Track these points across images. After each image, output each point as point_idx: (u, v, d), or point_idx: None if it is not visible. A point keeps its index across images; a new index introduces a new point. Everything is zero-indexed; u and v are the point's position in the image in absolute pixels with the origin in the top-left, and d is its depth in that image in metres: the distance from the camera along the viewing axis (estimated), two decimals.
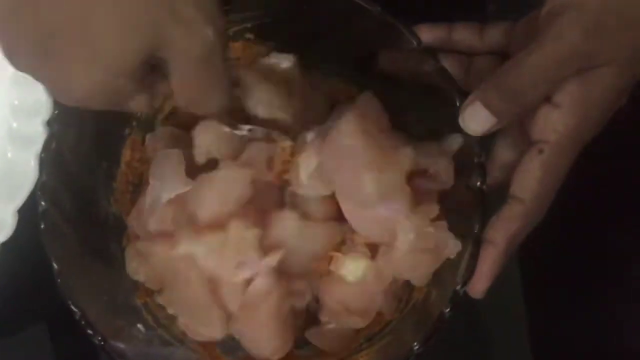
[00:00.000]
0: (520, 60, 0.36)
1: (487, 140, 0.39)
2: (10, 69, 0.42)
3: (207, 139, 0.40)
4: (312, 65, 0.44)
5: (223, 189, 0.39)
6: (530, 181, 0.37)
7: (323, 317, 0.41)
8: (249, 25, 0.44)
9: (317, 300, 0.42)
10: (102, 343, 0.37)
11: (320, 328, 0.42)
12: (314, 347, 0.42)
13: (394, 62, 0.42)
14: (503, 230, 0.38)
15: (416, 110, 0.42)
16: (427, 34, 0.42)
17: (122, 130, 0.43)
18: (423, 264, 0.39)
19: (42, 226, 0.37)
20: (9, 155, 0.42)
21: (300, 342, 0.42)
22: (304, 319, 0.42)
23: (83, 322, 0.37)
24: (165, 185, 0.39)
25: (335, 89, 0.45)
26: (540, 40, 0.36)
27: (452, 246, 0.38)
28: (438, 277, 0.40)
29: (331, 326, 0.41)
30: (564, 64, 0.35)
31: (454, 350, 0.51)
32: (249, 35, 0.44)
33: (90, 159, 0.41)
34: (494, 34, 0.43)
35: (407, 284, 0.41)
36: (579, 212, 0.48)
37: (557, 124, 0.36)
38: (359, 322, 0.41)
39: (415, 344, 0.37)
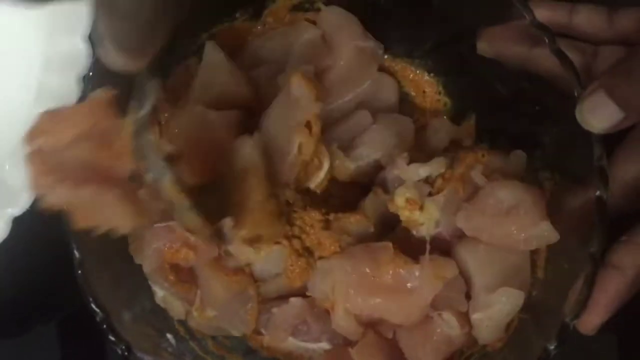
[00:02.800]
0: None
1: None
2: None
3: None
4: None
5: None
6: None
7: None
8: None
9: None
10: (127, 353, 0.30)
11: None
12: None
13: (497, 44, 0.35)
14: (633, 254, 0.31)
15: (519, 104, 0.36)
16: (544, 12, 0.36)
17: None
18: None
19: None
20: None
21: None
22: None
23: (105, 326, 0.30)
24: None
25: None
26: None
27: None
28: (542, 303, 0.33)
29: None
30: None
31: None
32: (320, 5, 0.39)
33: None
34: (626, 21, 0.36)
35: None
36: None
37: None
38: None
39: None
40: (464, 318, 0.33)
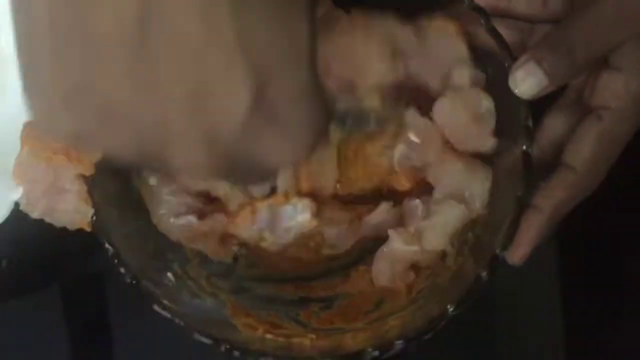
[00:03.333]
0: (574, 18, 0.35)
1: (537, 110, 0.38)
2: None
3: None
4: None
5: None
6: (585, 149, 0.36)
7: None
8: None
9: None
10: (135, 282, 0.36)
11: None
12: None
13: None
14: (550, 198, 0.37)
15: None
16: None
17: None
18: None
19: None
20: None
21: None
22: None
23: (116, 260, 0.36)
24: None
25: None
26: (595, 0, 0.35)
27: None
28: (477, 242, 0.39)
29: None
30: (618, 24, 0.35)
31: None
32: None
33: None
34: (557, 2, 0.41)
35: None
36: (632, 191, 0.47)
37: (618, 88, 0.36)
38: None
39: (450, 306, 0.36)
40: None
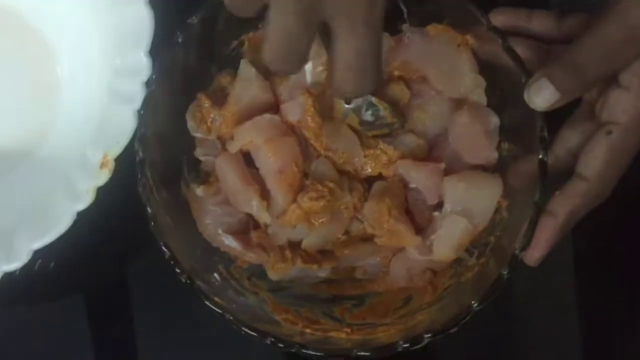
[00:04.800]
0: (584, 38, 0.38)
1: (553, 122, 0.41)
2: (113, 36, 0.46)
3: None
4: None
5: None
6: (596, 161, 0.39)
7: None
8: None
9: None
10: (189, 281, 0.40)
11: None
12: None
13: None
14: (564, 204, 0.40)
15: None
16: (503, 17, 0.45)
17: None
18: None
19: (139, 175, 0.41)
20: (110, 109, 0.46)
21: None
22: None
23: (172, 262, 0.40)
24: None
25: None
26: (603, 21, 0.37)
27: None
28: (498, 245, 0.43)
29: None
30: (625, 44, 0.37)
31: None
32: None
33: (181, 117, 0.45)
34: (572, 24, 0.44)
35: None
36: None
37: (626, 105, 0.38)
38: None
39: (474, 302, 0.39)
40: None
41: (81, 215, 0.45)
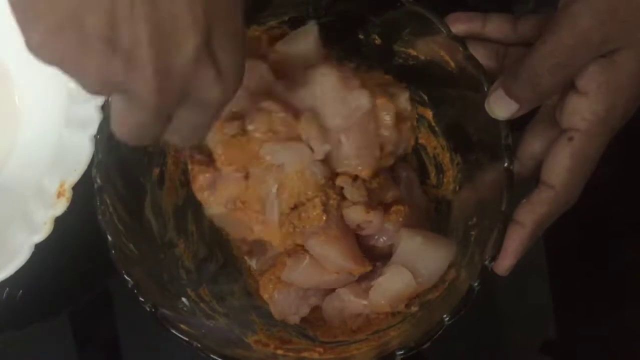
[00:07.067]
0: (535, 49, 0.37)
1: (516, 128, 0.41)
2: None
3: None
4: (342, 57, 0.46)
5: None
6: (560, 169, 0.38)
7: None
8: (285, 19, 0.46)
9: None
10: (154, 310, 0.39)
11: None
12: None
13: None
14: (531, 213, 0.39)
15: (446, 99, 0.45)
16: (460, 23, 0.44)
17: None
18: None
19: (98, 202, 0.40)
20: (65, 136, 0.44)
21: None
22: None
23: (136, 291, 0.39)
24: None
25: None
26: (553, 28, 0.36)
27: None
28: (469, 258, 0.42)
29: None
30: (577, 49, 0.36)
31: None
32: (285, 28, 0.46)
33: None
34: (527, 26, 0.44)
35: None
36: (609, 202, 0.49)
37: (585, 112, 0.37)
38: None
39: (446, 315, 0.39)
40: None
41: (39, 248, 0.44)
